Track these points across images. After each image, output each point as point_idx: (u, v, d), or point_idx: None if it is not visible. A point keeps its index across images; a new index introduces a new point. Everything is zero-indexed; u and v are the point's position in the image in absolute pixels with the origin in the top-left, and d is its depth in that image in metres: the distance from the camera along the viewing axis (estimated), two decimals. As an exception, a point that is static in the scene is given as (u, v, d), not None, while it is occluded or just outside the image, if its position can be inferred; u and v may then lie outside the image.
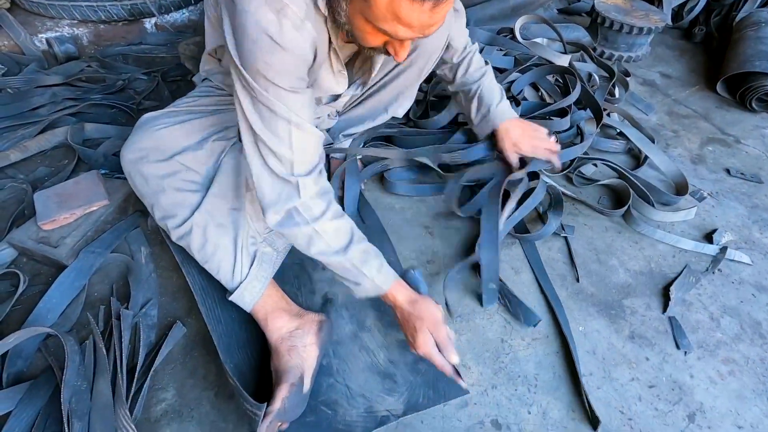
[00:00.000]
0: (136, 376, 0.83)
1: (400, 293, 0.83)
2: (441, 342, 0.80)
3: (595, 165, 1.39)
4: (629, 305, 1.06)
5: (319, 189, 0.78)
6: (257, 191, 0.78)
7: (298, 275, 1.03)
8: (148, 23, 1.80)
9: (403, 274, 0.87)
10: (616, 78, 1.62)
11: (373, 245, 0.84)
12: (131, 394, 0.81)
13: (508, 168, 1.18)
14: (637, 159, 1.45)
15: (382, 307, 0.98)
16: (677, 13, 2.29)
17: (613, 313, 1.04)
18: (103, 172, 1.21)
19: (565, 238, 1.19)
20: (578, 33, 1.86)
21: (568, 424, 0.86)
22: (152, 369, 0.85)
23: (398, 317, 0.84)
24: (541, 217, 1.25)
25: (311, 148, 0.77)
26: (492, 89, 1.14)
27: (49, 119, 1.35)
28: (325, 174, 0.82)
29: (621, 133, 1.49)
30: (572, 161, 1.36)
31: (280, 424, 0.76)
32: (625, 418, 0.87)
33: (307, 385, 0.81)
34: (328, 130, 1.20)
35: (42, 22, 1.67)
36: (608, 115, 1.53)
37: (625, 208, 1.22)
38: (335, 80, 0.94)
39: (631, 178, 1.29)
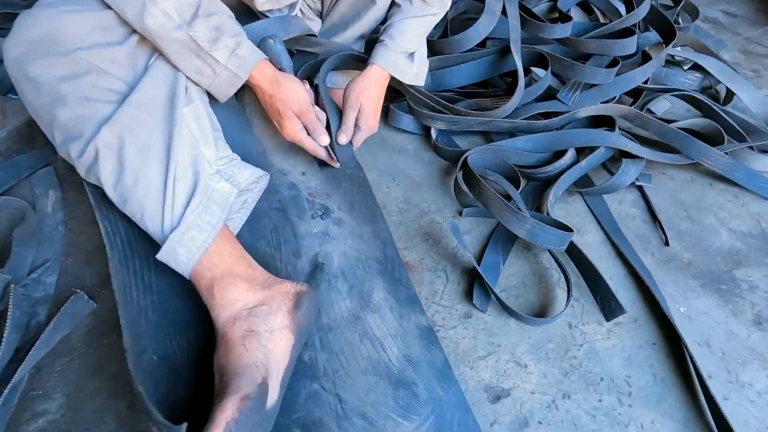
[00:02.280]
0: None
1: (260, 75, 0.68)
2: (309, 125, 0.72)
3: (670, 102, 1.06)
4: (744, 278, 0.74)
5: None
6: None
7: (276, 227, 0.70)
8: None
9: (260, 43, 0.71)
10: (683, 3, 1.29)
11: (234, 20, 0.67)
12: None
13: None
14: (716, 100, 1.13)
15: (395, 272, 0.66)
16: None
17: (724, 288, 0.73)
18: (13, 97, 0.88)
19: (640, 188, 0.87)
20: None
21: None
22: (28, 358, 0.53)
23: (262, 103, 0.73)
24: (604, 166, 0.92)
25: None
26: (412, 26, 0.78)
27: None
28: None
29: (695, 67, 1.16)
30: (637, 96, 1.04)
31: None
32: (776, 446, 0.56)
33: (273, 395, 0.49)
34: None
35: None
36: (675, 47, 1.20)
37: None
38: None
39: (722, 114, 0.97)
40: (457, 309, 0.67)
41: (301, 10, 0.83)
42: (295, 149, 0.79)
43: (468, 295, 0.68)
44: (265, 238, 0.68)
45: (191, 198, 0.57)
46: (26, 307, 0.59)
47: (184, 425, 0.42)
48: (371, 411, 0.53)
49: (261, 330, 0.52)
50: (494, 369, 0.60)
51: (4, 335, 0.54)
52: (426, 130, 0.95)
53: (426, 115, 0.90)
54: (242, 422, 0.44)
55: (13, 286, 0.57)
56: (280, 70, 0.71)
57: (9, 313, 0.55)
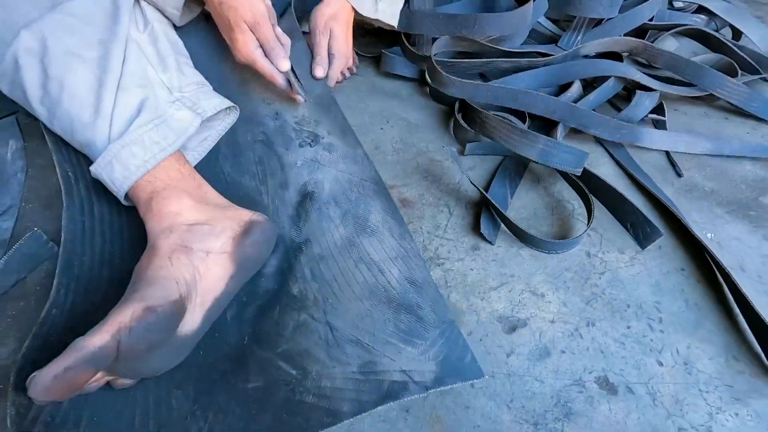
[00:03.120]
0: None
1: None
2: (264, 42, 0.62)
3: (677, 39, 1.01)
4: (773, 204, 0.68)
5: None
6: None
7: (261, 159, 0.63)
8: None
9: None
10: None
11: None
12: None
13: None
14: (723, 43, 1.07)
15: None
16: None
17: (753, 215, 0.67)
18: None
19: (653, 122, 0.81)
20: None
21: (734, 381, 0.48)
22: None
23: (213, 17, 0.63)
24: (610, 103, 0.86)
25: None
26: None
27: None
28: None
29: (700, 10, 1.11)
30: (642, 37, 0.98)
31: (104, 374, 0.39)
32: (831, 368, 0.49)
33: (193, 322, 0.43)
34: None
35: None
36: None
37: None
38: None
39: (733, 48, 0.91)
40: (463, 242, 0.60)
41: None
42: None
43: (475, 228, 0.61)
44: (250, 172, 0.61)
45: (139, 113, 0.50)
46: (-25, 250, 0.52)
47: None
48: (367, 337, 0.46)
49: (195, 248, 0.45)
50: (508, 299, 0.54)
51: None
52: (421, 76, 0.88)
53: (419, 57, 0.83)
54: (136, 335, 0.37)
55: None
56: None
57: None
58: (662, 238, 0.61)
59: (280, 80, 0.64)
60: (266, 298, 0.49)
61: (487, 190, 0.66)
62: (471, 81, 0.73)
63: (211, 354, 0.45)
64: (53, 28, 0.50)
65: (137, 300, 0.39)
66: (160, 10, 0.60)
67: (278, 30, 0.64)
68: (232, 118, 0.62)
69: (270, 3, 0.64)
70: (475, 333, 0.50)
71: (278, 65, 0.63)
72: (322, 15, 0.70)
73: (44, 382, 0.33)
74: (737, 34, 1.05)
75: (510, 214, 0.64)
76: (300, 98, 0.67)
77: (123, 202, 0.52)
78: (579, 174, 0.63)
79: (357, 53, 0.92)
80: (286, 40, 0.65)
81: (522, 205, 0.66)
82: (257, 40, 0.62)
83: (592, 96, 0.79)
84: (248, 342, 0.46)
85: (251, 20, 0.60)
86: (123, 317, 0.37)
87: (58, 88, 0.49)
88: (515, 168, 0.69)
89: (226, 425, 0.41)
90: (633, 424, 0.44)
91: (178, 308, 0.41)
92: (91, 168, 0.49)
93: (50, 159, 0.68)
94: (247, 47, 0.61)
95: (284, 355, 0.45)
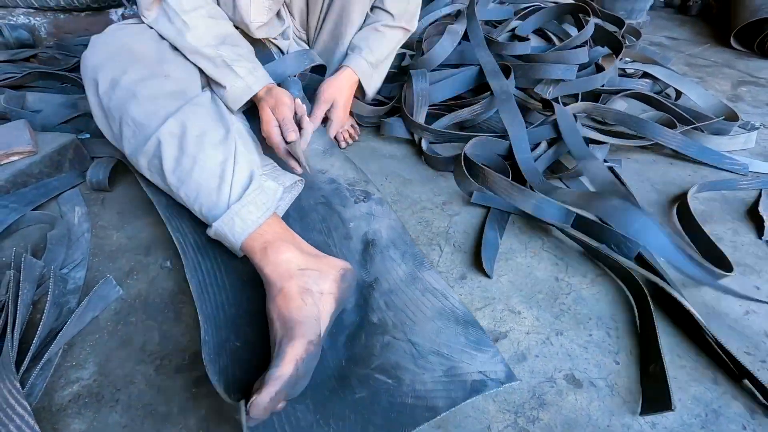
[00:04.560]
0: (32, 345, 0.56)
1: (268, 90, 0.76)
2: (280, 119, 0.72)
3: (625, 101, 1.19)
4: (712, 232, 0.81)
5: None
6: None
7: (324, 217, 0.77)
8: (115, 14, 1.66)
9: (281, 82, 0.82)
10: (625, 27, 1.48)
11: (254, 55, 0.80)
12: (24, 367, 0.53)
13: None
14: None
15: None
16: (668, -8, 2.24)
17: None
18: (83, 137, 0.99)
19: (611, 168, 0.97)
20: (575, -5, 1.75)
21: (677, 373, 0.58)
22: (59, 335, 0.58)
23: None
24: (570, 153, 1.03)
25: None
26: (375, 38, 0.92)
27: (-18, 89, 1.15)
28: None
29: (645, 75, 1.31)
30: (596, 99, 1.17)
31: (280, 400, 0.47)
32: (756, 360, 0.60)
33: (319, 352, 0.53)
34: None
35: (-7, 11, 1.52)
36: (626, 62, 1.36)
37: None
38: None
39: (671, 106, 1.09)
40: (453, 273, 0.73)
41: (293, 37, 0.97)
42: (329, 153, 0.88)
43: (462, 262, 0.74)
44: (316, 228, 0.74)
45: (250, 182, 0.64)
46: (59, 295, 0.65)
47: (241, 403, 0.44)
48: (445, 348, 0.57)
49: (314, 289, 0.55)
50: (491, 317, 0.65)
51: (43, 318, 0.59)
52: (414, 143, 1.06)
53: (419, 126, 1.01)
54: (307, 364, 0.48)
55: (52, 267, 0.63)
56: None
57: (49, 290, 0.60)
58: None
59: (282, 149, 0.73)
60: (352, 328, 0.60)
61: (480, 233, 0.79)
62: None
63: (318, 377, 0.54)
64: (193, 118, 0.66)
65: (301, 336, 0.49)
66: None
67: (301, 110, 0.74)
68: (299, 187, 0.78)
69: (301, 98, 0.83)
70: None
71: (287, 137, 0.71)
72: (329, 87, 0.89)
73: (263, 404, 0.43)
74: (679, 94, 1.24)
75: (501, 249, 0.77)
76: (297, 168, 0.75)
77: (238, 253, 0.63)
78: (568, 227, 0.76)
79: (359, 124, 1.10)
80: (309, 125, 0.74)
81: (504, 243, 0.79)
82: (276, 119, 0.73)
83: (551, 151, 0.95)
84: (346, 364, 0.56)
85: (274, 106, 0.74)
86: (297, 350, 0.47)
87: (190, 163, 0.64)
88: (500, 216, 0.83)
89: (347, 428, 0.49)
90: (595, 410, 0.54)
91: (320, 341, 0.52)
92: (214, 224, 0.61)
93: (109, 221, 0.82)
94: (267, 125, 0.73)
95: (379, 369, 0.55)
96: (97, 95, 0.71)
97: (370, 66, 0.93)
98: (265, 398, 0.44)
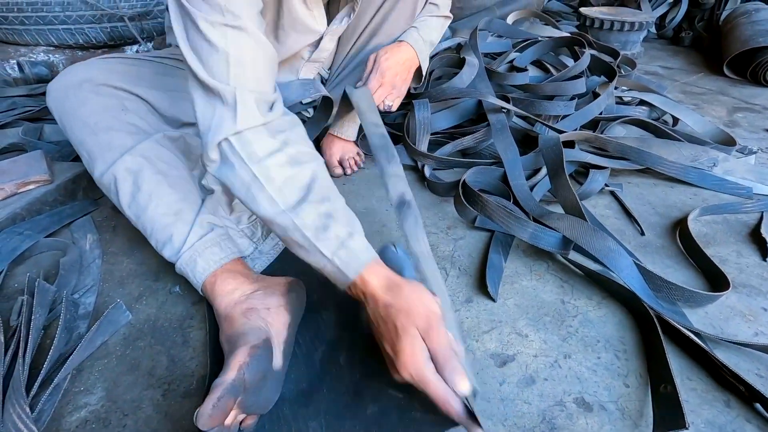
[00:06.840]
0: (43, 369, 0.56)
1: (374, 276, 0.52)
2: (440, 354, 0.47)
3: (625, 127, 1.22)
4: (714, 254, 0.82)
5: (268, 122, 0.56)
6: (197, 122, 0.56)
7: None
8: (130, 50, 1.74)
9: (380, 252, 0.57)
10: (620, 58, 1.53)
11: (350, 211, 0.57)
12: (33, 392, 0.54)
13: None
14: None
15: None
16: (660, 24, 2.32)
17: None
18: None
19: (612, 192, 0.98)
20: (570, 28, 1.82)
21: (688, 395, 0.58)
22: (68, 360, 0.58)
23: (370, 316, 0.53)
24: (572, 177, 1.04)
25: (258, 63, 0.56)
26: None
27: (2, 121, 1.19)
28: (284, 111, 0.60)
29: (642, 103, 1.35)
30: (594, 127, 1.20)
31: (238, 411, 0.48)
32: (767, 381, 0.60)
33: (277, 359, 0.55)
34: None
35: (15, 49, 1.60)
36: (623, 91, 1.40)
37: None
38: (309, 11, 0.82)
39: (669, 132, 1.12)
40: (459, 296, 0.73)
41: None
42: None
43: (467, 285, 0.75)
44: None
45: (213, 228, 0.66)
46: (70, 320, 0.66)
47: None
48: None
49: (259, 307, 0.58)
50: (498, 340, 0.65)
51: (54, 342, 0.60)
52: (418, 169, 1.08)
53: (421, 154, 1.03)
54: (253, 367, 0.49)
55: (64, 292, 0.64)
56: None
57: (61, 315, 0.61)
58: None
59: (456, 408, 0.46)
60: (369, 344, 0.61)
61: (485, 256, 0.80)
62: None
63: (333, 391, 0.57)
64: (152, 156, 0.67)
65: (244, 344, 0.51)
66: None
67: (450, 335, 0.49)
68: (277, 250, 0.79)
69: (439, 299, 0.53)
70: (472, 368, 0.61)
71: (458, 387, 0.46)
72: (385, 52, 0.89)
73: (207, 412, 0.43)
74: (676, 120, 1.27)
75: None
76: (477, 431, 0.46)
77: (200, 291, 0.64)
78: (566, 255, 0.77)
79: (364, 153, 1.13)
80: (461, 348, 0.50)
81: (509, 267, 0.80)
82: (428, 350, 0.48)
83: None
84: (360, 378, 0.58)
85: (424, 326, 0.48)
86: (240, 357, 0.49)
87: (145, 199, 0.65)
88: (504, 239, 0.84)
89: None
90: (606, 434, 0.54)
91: (269, 344, 0.53)
92: (180, 260, 0.64)
93: (120, 247, 0.84)
94: (417, 361, 0.47)
95: (392, 384, 0.54)
96: (63, 125, 0.71)
97: (425, 43, 0.95)
98: (207, 406, 0.44)
